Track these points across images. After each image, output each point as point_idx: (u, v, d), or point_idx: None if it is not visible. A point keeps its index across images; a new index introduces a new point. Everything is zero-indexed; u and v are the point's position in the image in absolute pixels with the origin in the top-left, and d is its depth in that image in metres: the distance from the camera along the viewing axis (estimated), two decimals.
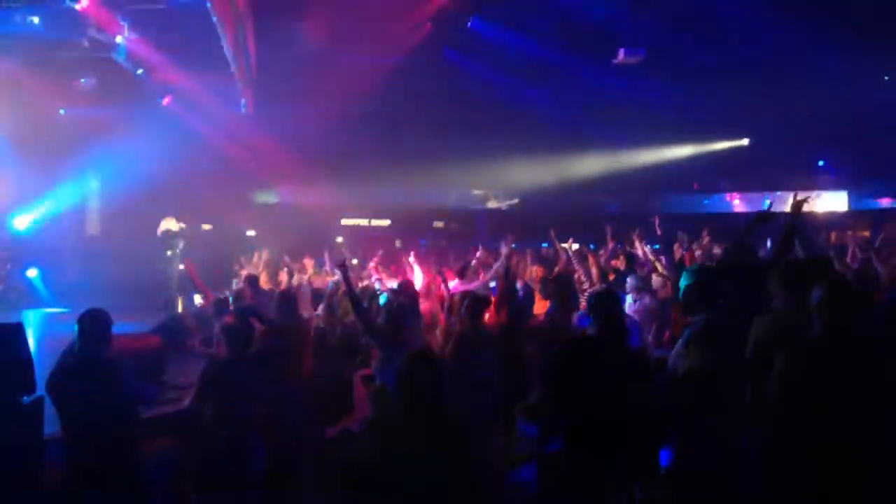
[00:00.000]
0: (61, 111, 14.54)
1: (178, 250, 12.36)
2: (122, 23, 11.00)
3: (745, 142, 20.06)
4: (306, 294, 9.10)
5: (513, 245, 9.04)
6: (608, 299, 4.48)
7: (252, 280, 9.48)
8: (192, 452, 5.18)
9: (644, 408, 4.06)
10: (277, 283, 11.09)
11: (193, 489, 5.16)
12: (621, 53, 14.87)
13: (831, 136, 17.44)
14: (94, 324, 4.64)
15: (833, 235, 12.15)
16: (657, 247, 9.44)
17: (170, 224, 12.46)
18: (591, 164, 19.97)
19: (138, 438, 4.84)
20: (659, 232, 8.69)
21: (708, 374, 4.00)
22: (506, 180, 23.05)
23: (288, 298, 6.78)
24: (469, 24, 15.98)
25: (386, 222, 22.76)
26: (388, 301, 6.85)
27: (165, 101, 13.89)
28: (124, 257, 13.52)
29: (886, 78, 15.22)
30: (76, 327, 4.62)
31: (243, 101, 14.52)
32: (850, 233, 13.34)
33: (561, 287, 6.73)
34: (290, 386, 6.03)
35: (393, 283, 9.47)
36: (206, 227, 12.41)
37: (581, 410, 4.06)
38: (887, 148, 17.51)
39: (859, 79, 14.69)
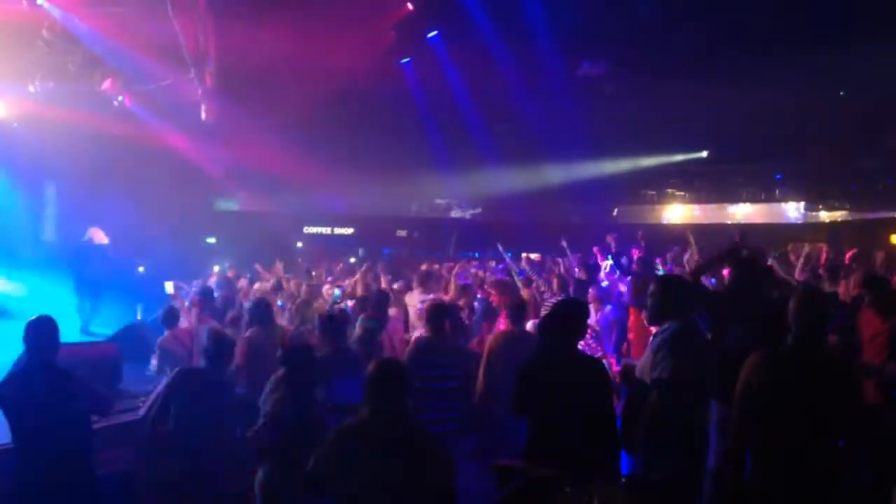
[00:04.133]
0: None
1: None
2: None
3: (703, 154, 20.34)
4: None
5: (475, 254, 9.08)
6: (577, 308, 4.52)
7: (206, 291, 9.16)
8: (150, 464, 5.03)
9: (603, 415, 4.08)
10: (236, 290, 11.00)
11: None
12: (584, 65, 15.03)
13: (788, 150, 17.75)
14: (38, 332, 4.51)
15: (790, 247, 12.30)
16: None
17: (97, 235, 11.14)
18: (554, 174, 20.03)
19: (92, 448, 4.70)
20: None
21: (676, 383, 4.02)
22: (469, 190, 23.11)
23: (264, 304, 6.80)
24: (432, 34, 15.98)
25: (349, 231, 22.61)
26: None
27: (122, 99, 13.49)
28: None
29: (842, 94, 15.52)
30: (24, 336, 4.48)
31: (203, 106, 14.28)
32: (806, 245, 13.52)
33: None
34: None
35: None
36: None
37: (543, 416, 4.07)
38: (841, 161, 17.92)
39: (818, 94, 14.92)
